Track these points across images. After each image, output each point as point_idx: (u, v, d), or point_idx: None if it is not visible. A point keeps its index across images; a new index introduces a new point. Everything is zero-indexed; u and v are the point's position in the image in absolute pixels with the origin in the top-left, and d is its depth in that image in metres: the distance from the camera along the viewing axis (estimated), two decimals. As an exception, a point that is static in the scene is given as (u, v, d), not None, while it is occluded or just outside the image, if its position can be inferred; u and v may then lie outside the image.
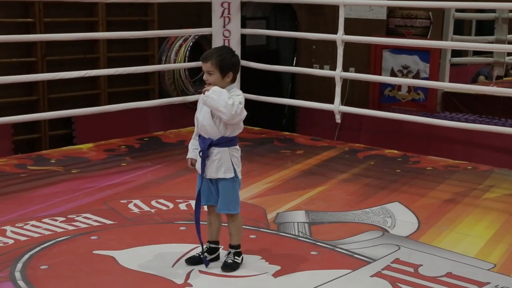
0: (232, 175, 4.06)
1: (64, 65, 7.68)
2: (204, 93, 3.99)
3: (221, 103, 3.89)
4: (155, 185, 6.01)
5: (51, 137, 7.99)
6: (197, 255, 4.24)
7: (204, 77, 4.04)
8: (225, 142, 4.04)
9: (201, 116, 4.07)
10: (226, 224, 4.22)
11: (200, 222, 4.12)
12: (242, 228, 4.27)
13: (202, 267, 4.16)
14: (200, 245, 4.19)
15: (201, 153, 4.05)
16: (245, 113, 4.06)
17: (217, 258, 4.25)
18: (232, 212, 4.14)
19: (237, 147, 4.13)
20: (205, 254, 4.20)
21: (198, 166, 4.10)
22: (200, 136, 4.11)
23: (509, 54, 9.73)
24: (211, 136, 4.04)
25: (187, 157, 4.20)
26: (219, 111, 3.93)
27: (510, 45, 8.88)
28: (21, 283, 3.92)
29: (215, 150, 4.03)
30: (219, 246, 4.28)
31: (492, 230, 5.04)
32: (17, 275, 4.03)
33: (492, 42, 9.32)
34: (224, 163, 4.04)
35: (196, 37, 8.68)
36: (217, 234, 4.25)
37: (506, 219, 5.30)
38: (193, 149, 4.16)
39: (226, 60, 4.01)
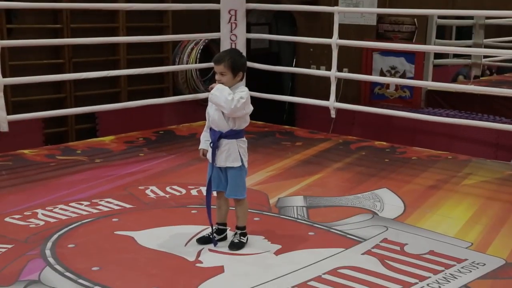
0: (239, 164, 4.05)
1: (89, 66, 7.67)
2: (210, 88, 4.00)
3: (222, 99, 3.89)
4: (170, 173, 6.00)
5: (77, 130, 8.00)
6: (207, 235, 4.23)
7: (217, 77, 4.01)
8: (233, 134, 4.02)
9: (212, 111, 4.06)
10: (234, 208, 4.22)
11: (211, 206, 4.12)
12: (247, 211, 4.26)
13: (211, 246, 4.15)
14: (210, 226, 4.19)
15: (211, 144, 4.04)
16: (251, 108, 4.04)
17: (225, 238, 4.24)
18: (239, 197, 4.13)
19: (244, 139, 4.12)
20: (214, 234, 4.21)
21: (209, 155, 4.08)
22: (210, 129, 4.09)
23: (485, 56, 9.71)
24: (220, 129, 4.02)
25: (199, 148, 4.19)
26: (220, 106, 3.92)
27: (486, 49, 8.85)
28: (51, 259, 3.93)
29: (224, 142, 4.02)
30: (227, 228, 4.28)
31: (470, 213, 5.03)
32: (48, 252, 4.04)
33: (470, 46, 9.30)
34: (232, 153, 4.03)
35: (206, 41, 8.66)
36: (225, 217, 4.25)
37: (482, 203, 5.29)
38: (205, 141, 4.14)
39: (237, 61, 3.99)
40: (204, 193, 4.19)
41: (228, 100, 3.88)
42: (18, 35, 7.26)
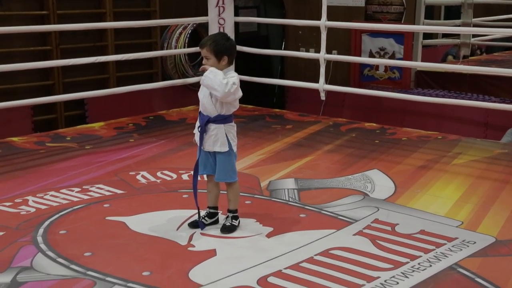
0: (227, 148, 4.04)
1: (76, 53, 7.63)
2: (201, 70, 3.98)
3: (216, 82, 3.88)
4: (160, 158, 6.00)
5: (66, 117, 7.96)
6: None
7: (203, 62, 4.02)
8: (221, 119, 4.02)
9: (202, 94, 4.05)
10: (225, 191, 4.23)
11: (198, 190, 4.12)
12: (239, 194, 4.27)
13: (204, 229, 4.17)
14: (197, 209, 4.18)
15: (199, 128, 4.05)
16: (240, 93, 4.04)
17: (216, 222, 4.26)
18: (229, 181, 4.14)
19: (233, 123, 4.11)
20: (206, 218, 4.22)
21: (197, 139, 4.09)
22: (200, 112, 4.09)
23: (474, 35, 9.72)
24: (209, 113, 4.02)
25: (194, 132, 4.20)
26: (214, 89, 3.91)
27: (475, 28, 8.86)
28: (42, 246, 3.94)
29: (212, 126, 4.02)
30: (218, 211, 4.29)
31: (460, 192, 5.06)
32: (39, 239, 4.04)
33: (459, 25, 9.30)
34: (220, 138, 4.03)
35: (194, 25, 8.62)
36: (215, 200, 4.25)
37: (472, 182, 5.32)
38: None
39: (220, 45, 3.98)
40: (195, 177, 4.19)
41: (223, 83, 3.87)
42: (4, 22, 7.20)
